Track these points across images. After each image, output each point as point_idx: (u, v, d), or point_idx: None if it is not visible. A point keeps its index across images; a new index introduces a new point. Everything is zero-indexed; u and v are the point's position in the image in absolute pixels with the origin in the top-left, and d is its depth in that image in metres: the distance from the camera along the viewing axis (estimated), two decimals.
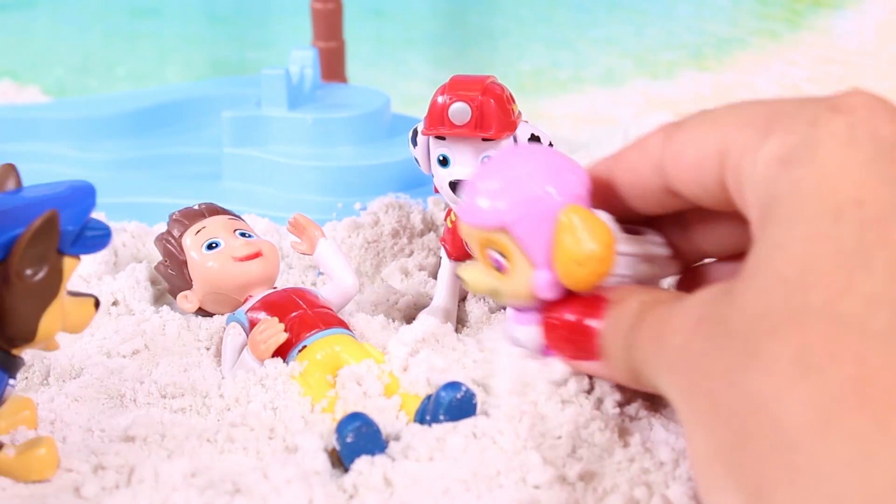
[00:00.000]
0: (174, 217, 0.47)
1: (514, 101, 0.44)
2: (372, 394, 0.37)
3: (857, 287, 0.24)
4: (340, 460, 0.34)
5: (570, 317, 0.33)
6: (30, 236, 0.30)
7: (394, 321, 0.45)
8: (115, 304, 0.48)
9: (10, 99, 0.87)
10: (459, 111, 0.43)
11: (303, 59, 0.65)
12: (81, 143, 0.66)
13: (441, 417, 0.35)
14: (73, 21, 0.91)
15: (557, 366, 0.35)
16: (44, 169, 0.63)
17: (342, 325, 0.41)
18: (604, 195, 0.34)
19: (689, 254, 0.36)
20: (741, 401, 0.25)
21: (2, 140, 0.66)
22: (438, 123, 0.43)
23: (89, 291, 0.47)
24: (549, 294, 0.33)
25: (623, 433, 0.35)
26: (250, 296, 0.43)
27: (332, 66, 0.75)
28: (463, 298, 0.48)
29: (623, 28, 0.90)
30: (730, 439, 0.25)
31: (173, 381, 0.40)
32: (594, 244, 0.32)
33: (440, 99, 0.43)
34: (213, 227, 0.46)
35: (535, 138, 0.44)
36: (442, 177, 0.44)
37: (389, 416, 0.36)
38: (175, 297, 0.46)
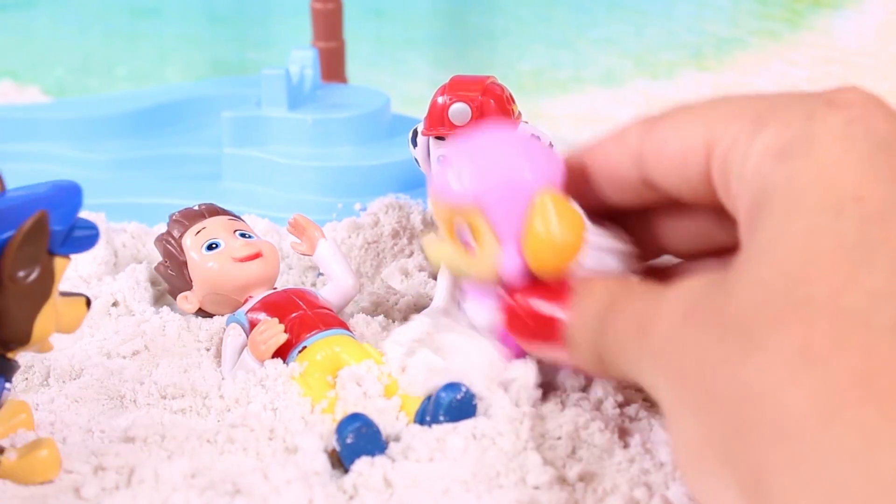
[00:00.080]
0: (174, 218, 0.47)
1: (514, 102, 0.44)
2: (372, 394, 0.37)
3: (861, 282, 0.24)
4: (340, 461, 0.34)
5: (533, 302, 0.33)
6: (21, 238, 0.30)
7: (394, 322, 0.45)
8: (115, 304, 0.47)
9: (10, 99, 0.87)
10: (459, 112, 0.43)
11: (303, 59, 0.65)
12: (81, 143, 0.66)
13: (441, 418, 0.35)
14: (73, 21, 0.91)
15: (523, 366, 0.35)
16: (44, 169, 0.63)
17: (342, 325, 0.41)
18: (577, 185, 0.34)
19: (648, 251, 0.36)
20: (739, 390, 0.25)
21: (2, 140, 0.66)
22: (438, 124, 0.43)
23: (90, 292, 0.47)
24: (513, 276, 0.33)
25: (623, 434, 0.35)
26: (250, 296, 0.43)
27: (332, 66, 0.75)
28: None
29: (623, 28, 0.90)
30: (725, 428, 0.25)
31: (173, 381, 0.40)
32: (566, 230, 0.32)
33: (440, 99, 0.43)
34: (213, 227, 0.46)
35: (534, 139, 0.44)
36: None
37: (389, 417, 0.36)
38: (175, 298, 0.46)
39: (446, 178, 0.34)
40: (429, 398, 0.36)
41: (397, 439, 0.35)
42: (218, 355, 0.43)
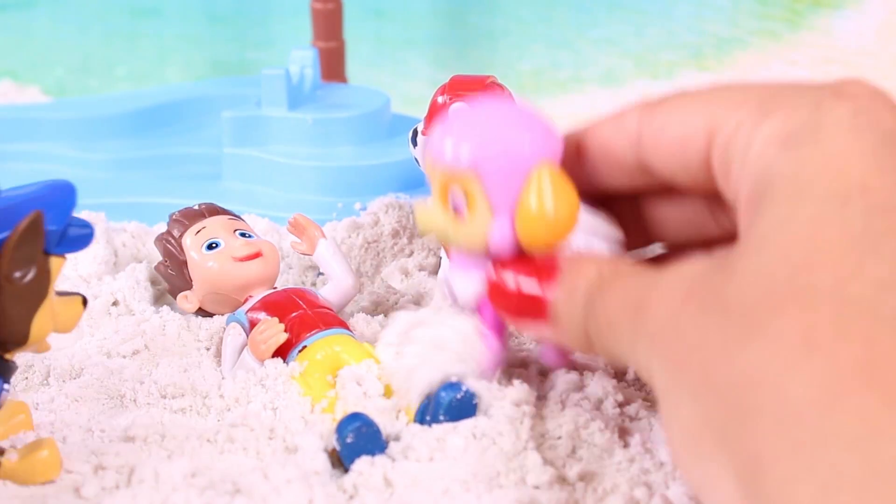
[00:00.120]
0: (174, 217, 0.47)
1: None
2: (372, 394, 0.37)
3: (867, 271, 0.24)
4: (340, 460, 0.34)
5: (520, 277, 0.33)
6: (16, 239, 0.30)
7: None
8: (115, 304, 0.47)
9: (10, 99, 0.87)
10: None
11: (303, 59, 0.65)
12: (81, 143, 0.66)
13: (441, 418, 0.35)
14: (73, 21, 0.91)
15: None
16: (44, 169, 0.63)
17: (342, 325, 0.41)
18: (571, 167, 0.34)
19: (636, 239, 0.36)
20: (739, 375, 0.24)
21: (2, 140, 0.66)
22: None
23: (90, 291, 0.47)
24: (502, 247, 0.33)
25: (623, 433, 0.35)
26: (250, 296, 0.43)
27: (332, 66, 0.75)
28: None
29: (623, 28, 0.90)
30: (724, 412, 0.25)
31: (173, 381, 0.40)
32: (560, 207, 0.32)
33: (440, 99, 0.43)
34: (213, 227, 0.46)
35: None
36: None
37: (389, 417, 0.36)
38: (175, 298, 0.46)
39: (447, 141, 0.33)
40: (428, 398, 0.36)
41: (397, 439, 0.35)
42: (218, 355, 0.43)
